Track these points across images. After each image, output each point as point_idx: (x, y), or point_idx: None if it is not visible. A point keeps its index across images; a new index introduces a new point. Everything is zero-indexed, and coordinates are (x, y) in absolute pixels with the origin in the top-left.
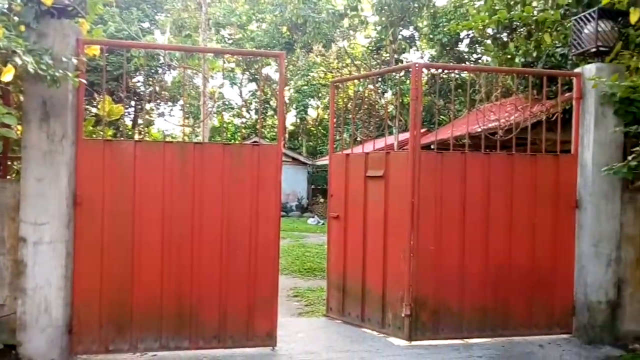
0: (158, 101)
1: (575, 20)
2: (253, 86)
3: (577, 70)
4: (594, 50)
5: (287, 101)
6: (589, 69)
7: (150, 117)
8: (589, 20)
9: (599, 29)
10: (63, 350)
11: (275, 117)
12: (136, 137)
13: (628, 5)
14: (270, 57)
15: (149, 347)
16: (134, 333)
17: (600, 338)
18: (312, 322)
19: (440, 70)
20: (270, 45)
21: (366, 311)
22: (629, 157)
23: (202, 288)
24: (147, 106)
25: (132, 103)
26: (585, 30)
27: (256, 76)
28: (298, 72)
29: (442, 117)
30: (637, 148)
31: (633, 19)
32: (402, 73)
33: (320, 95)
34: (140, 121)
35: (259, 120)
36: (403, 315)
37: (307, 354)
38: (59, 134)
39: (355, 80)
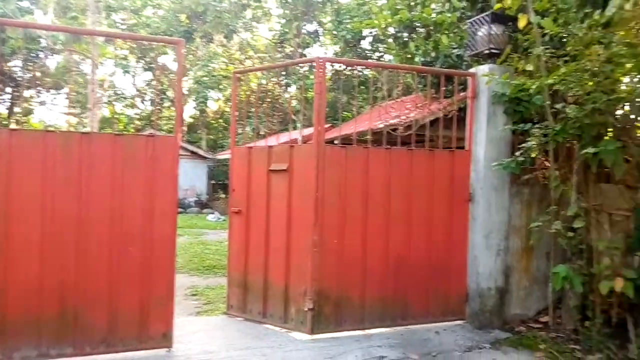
0: (39, 88)
1: (470, 23)
2: (149, 75)
3: (471, 70)
4: (486, 52)
5: (186, 92)
6: (482, 70)
7: (30, 105)
8: (482, 24)
9: (491, 32)
10: None
11: (172, 108)
12: (12, 126)
13: (517, 11)
14: (167, 45)
15: (26, 356)
16: (8, 341)
17: (490, 322)
18: (212, 321)
19: (344, 66)
20: (167, 33)
21: (268, 307)
22: (517, 153)
23: (89, 289)
24: (26, 93)
25: (9, 89)
26: (479, 33)
27: (152, 65)
28: (198, 62)
29: (346, 113)
30: (524, 145)
31: (521, 24)
32: (306, 68)
33: (221, 87)
34: (17, 109)
35: (154, 112)
36: (306, 309)
37: (206, 353)
38: None
39: (259, 73)
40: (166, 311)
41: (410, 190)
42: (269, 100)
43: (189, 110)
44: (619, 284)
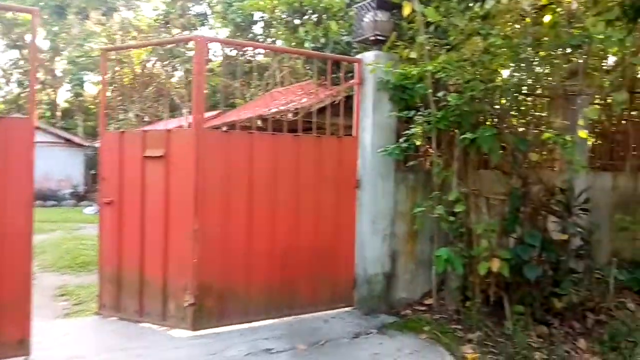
0: None
1: (357, 8)
2: (15, 54)
3: (357, 56)
4: (372, 38)
5: (60, 74)
6: (368, 56)
7: None
8: (368, 10)
9: (377, 18)
10: None
11: (45, 91)
12: None
13: None
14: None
15: None
16: None
17: (378, 307)
18: (82, 323)
19: (235, 51)
20: (34, 7)
21: (145, 304)
22: (400, 140)
23: None
24: None
25: None
26: (365, 19)
27: (18, 42)
28: (73, 41)
29: (239, 100)
30: (408, 131)
31: (405, 12)
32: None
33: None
34: None
35: (21, 94)
36: (186, 304)
37: (72, 359)
38: None
39: (143, 55)
40: (21, 315)
41: (298, 177)
42: (155, 84)
43: (64, 94)
44: (495, 265)
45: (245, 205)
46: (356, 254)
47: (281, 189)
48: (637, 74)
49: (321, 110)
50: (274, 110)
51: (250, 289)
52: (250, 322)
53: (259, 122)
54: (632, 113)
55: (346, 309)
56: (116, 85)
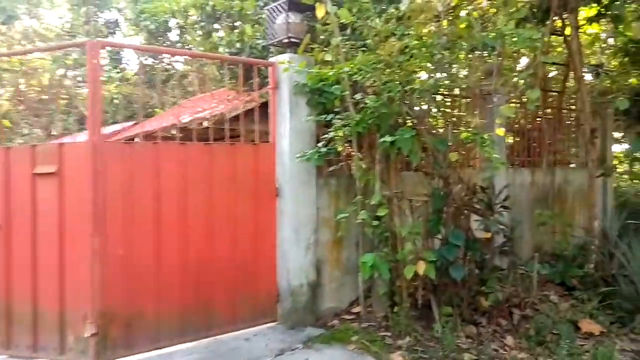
0: None
1: (268, 10)
2: None
3: (271, 60)
4: (286, 40)
5: None
6: (282, 59)
7: None
8: (280, 12)
9: (289, 20)
10: None
11: None
12: None
13: (314, 0)
14: None
15: None
16: None
17: (303, 320)
18: None
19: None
20: None
21: (40, 338)
22: (319, 144)
23: None
24: None
25: None
26: (277, 21)
27: None
28: None
29: (153, 109)
30: (326, 135)
31: (319, 14)
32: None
33: (3, 82)
34: None
35: None
36: (87, 335)
37: None
38: None
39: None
40: None
41: (211, 188)
42: (62, 95)
43: None
44: (421, 267)
45: (152, 221)
46: (278, 266)
47: (193, 202)
48: (549, 72)
49: (236, 118)
50: (186, 118)
51: (162, 311)
52: (163, 347)
53: (173, 132)
54: (546, 110)
55: (269, 324)
56: (19, 97)
